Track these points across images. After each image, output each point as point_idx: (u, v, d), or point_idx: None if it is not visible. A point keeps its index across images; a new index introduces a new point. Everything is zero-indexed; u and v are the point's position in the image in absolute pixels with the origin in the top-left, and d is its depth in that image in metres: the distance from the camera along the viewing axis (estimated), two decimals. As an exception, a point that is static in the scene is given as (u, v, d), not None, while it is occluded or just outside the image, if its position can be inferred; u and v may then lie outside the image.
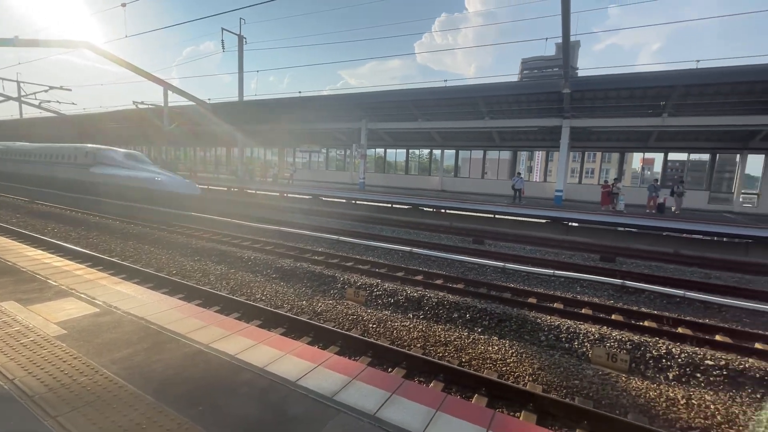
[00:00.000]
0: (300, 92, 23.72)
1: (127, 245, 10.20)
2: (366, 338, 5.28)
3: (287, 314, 5.94)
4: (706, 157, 21.57)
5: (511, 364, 4.82)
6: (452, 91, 19.19)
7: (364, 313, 6.22)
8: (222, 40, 25.82)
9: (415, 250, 10.01)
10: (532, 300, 7.08)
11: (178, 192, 15.61)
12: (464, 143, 24.98)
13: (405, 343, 5.36)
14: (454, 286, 7.65)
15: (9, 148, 25.49)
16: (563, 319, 5.94)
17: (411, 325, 5.82)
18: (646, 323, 6.22)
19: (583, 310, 6.69)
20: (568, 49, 14.35)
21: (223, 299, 6.48)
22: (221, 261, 9.01)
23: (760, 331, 5.97)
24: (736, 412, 3.96)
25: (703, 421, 3.87)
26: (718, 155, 20.72)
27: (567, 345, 5.35)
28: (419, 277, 8.21)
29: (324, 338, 5.32)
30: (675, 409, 4.04)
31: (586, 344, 5.26)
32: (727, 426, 3.79)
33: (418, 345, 5.30)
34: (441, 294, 6.85)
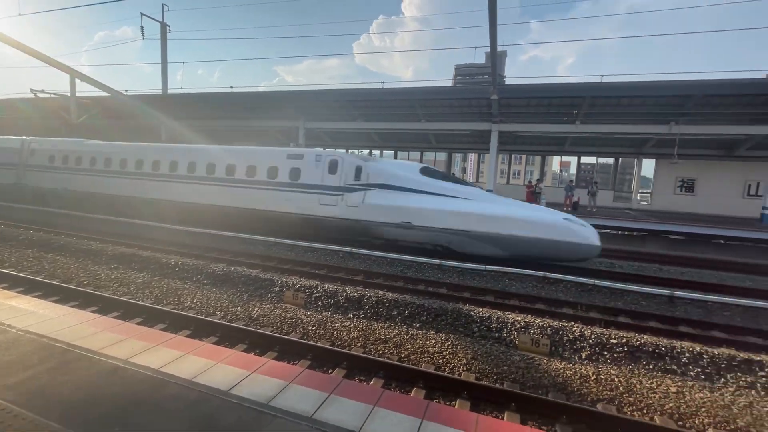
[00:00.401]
0: (232, 87, 22.51)
1: (25, 254, 8.89)
2: (305, 341, 5.19)
3: (220, 322, 5.62)
4: (611, 160, 24.48)
5: (447, 356, 5.05)
6: (390, 93, 19.55)
7: (303, 316, 6.09)
8: (141, 27, 23.64)
9: (354, 250, 10.02)
10: (466, 294, 7.47)
11: (590, 244, 8.84)
12: (402, 144, 25.57)
13: (345, 343, 5.35)
14: (394, 284, 7.81)
15: (76, 147, 14.83)
16: (494, 311, 6.35)
17: (351, 325, 5.83)
18: (563, 310, 6.89)
19: (511, 301, 7.22)
20: (495, 58, 15.38)
21: (145, 310, 5.94)
22: (144, 268, 8.24)
23: (652, 311, 6.94)
24: (635, 382, 4.56)
25: (609, 392, 4.39)
26: (620, 159, 23.64)
27: (497, 334, 5.73)
28: (359, 277, 8.24)
29: (261, 344, 5.12)
30: (587, 384, 4.53)
31: (513, 332, 5.67)
32: (627, 395, 4.35)
33: (359, 344, 5.33)
34: (381, 293, 6.94)
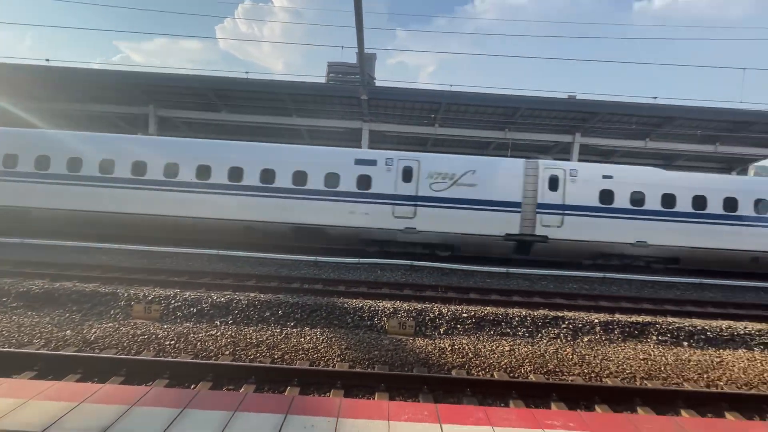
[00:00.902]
0: (48, 60, 18.06)
1: None
2: (160, 358, 4.58)
3: (39, 351, 4.53)
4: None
5: (322, 350, 5.11)
6: (258, 85, 18.50)
7: (159, 330, 5.36)
8: None
9: (222, 252, 9.26)
10: (341, 287, 7.66)
11: None
12: (275, 139, 24.48)
13: (212, 354, 4.92)
14: (267, 284, 7.50)
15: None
16: (366, 300, 6.67)
17: (218, 333, 5.39)
18: (427, 293, 7.67)
19: (382, 290, 7.69)
20: (363, 59, 16.04)
21: None
22: None
23: (494, 287, 8.29)
24: (480, 347, 5.40)
25: (461, 359, 5.10)
26: (471, 159, 27.33)
27: (369, 322, 6.04)
28: (228, 281, 7.66)
29: (100, 370, 4.31)
30: (444, 355, 5.17)
31: (383, 318, 6.07)
32: (475, 359, 5.12)
33: (227, 352, 4.96)
34: (252, 295, 6.58)
